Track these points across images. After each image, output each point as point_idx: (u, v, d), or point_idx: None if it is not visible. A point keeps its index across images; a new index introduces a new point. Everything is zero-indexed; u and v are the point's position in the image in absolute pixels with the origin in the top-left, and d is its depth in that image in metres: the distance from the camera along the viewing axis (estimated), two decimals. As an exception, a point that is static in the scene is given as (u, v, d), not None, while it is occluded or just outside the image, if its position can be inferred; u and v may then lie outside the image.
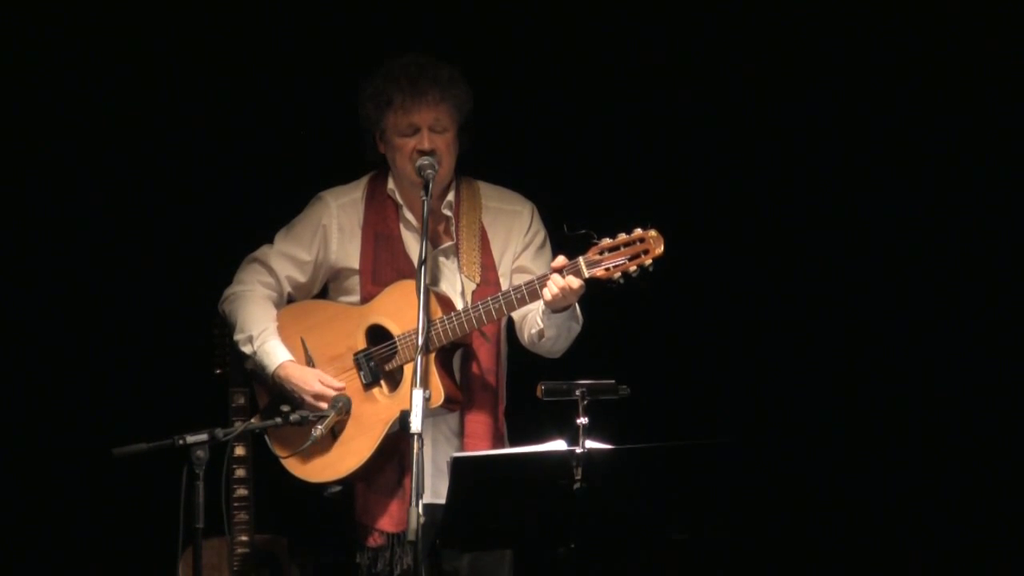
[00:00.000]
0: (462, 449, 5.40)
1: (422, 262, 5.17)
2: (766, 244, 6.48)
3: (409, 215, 5.53)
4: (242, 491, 5.94)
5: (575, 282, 5.16)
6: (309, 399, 5.39)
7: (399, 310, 5.37)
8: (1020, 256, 6.37)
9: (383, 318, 5.43)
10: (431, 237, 5.46)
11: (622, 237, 5.16)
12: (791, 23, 6.41)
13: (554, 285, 5.18)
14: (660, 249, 5.13)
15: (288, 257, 5.55)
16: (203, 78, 6.49)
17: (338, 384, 5.41)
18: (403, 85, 5.39)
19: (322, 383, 5.40)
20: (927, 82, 6.39)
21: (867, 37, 6.40)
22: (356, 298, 5.52)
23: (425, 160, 5.36)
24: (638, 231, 5.15)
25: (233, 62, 6.49)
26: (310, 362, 5.48)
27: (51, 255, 6.51)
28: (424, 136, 5.39)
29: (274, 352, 5.45)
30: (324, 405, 5.38)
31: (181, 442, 4.95)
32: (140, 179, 6.53)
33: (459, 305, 5.40)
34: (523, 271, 5.49)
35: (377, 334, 5.43)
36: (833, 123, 6.44)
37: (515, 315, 5.48)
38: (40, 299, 6.50)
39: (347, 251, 5.53)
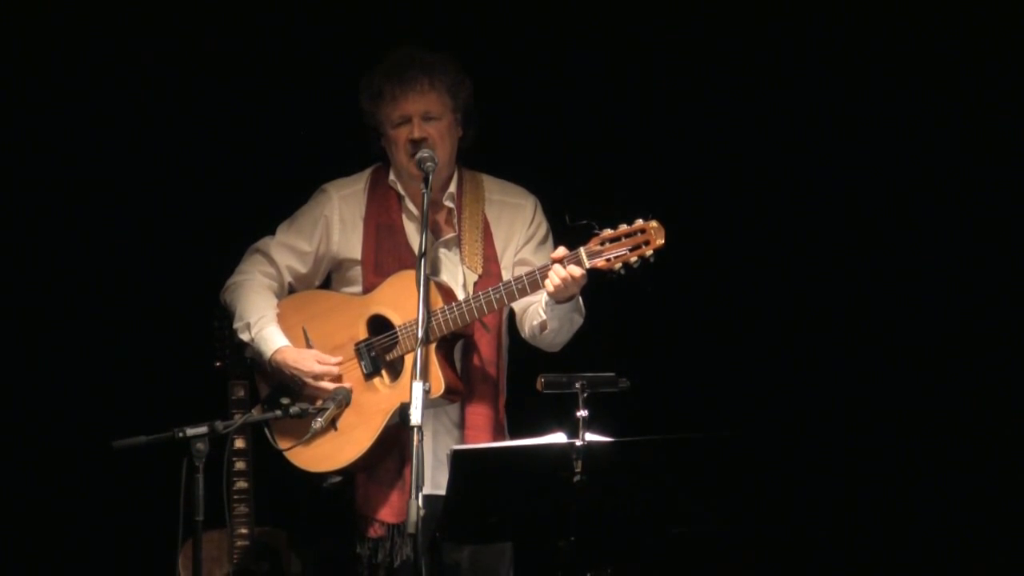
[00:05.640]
0: (463, 440, 5.40)
1: (422, 254, 5.15)
2: (767, 236, 6.48)
3: (411, 206, 5.52)
4: (242, 484, 5.95)
5: (576, 271, 5.15)
6: (309, 380, 5.38)
7: (401, 300, 5.36)
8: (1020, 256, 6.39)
9: (384, 308, 5.42)
10: (433, 228, 5.46)
11: (623, 228, 5.15)
12: (792, 13, 6.43)
13: (555, 275, 5.17)
14: (661, 240, 5.12)
15: (289, 248, 5.55)
16: (205, 71, 6.49)
17: (335, 360, 5.39)
18: (392, 76, 5.39)
19: (320, 363, 5.39)
20: (926, 81, 6.40)
21: (870, 28, 6.41)
22: (359, 289, 5.51)
23: (425, 153, 5.34)
24: (639, 222, 5.15)
25: (236, 53, 6.49)
26: (311, 351, 5.50)
27: (52, 248, 6.51)
28: (415, 125, 5.37)
29: (271, 338, 5.44)
30: (325, 385, 5.37)
31: (181, 435, 4.95)
32: (141, 172, 6.53)
33: (460, 296, 5.39)
34: (525, 264, 5.48)
35: (378, 324, 5.42)
36: (836, 115, 6.44)
37: (516, 307, 5.48)
38: (40, 292, 6.50)
39: (349, 242, 5.52)
